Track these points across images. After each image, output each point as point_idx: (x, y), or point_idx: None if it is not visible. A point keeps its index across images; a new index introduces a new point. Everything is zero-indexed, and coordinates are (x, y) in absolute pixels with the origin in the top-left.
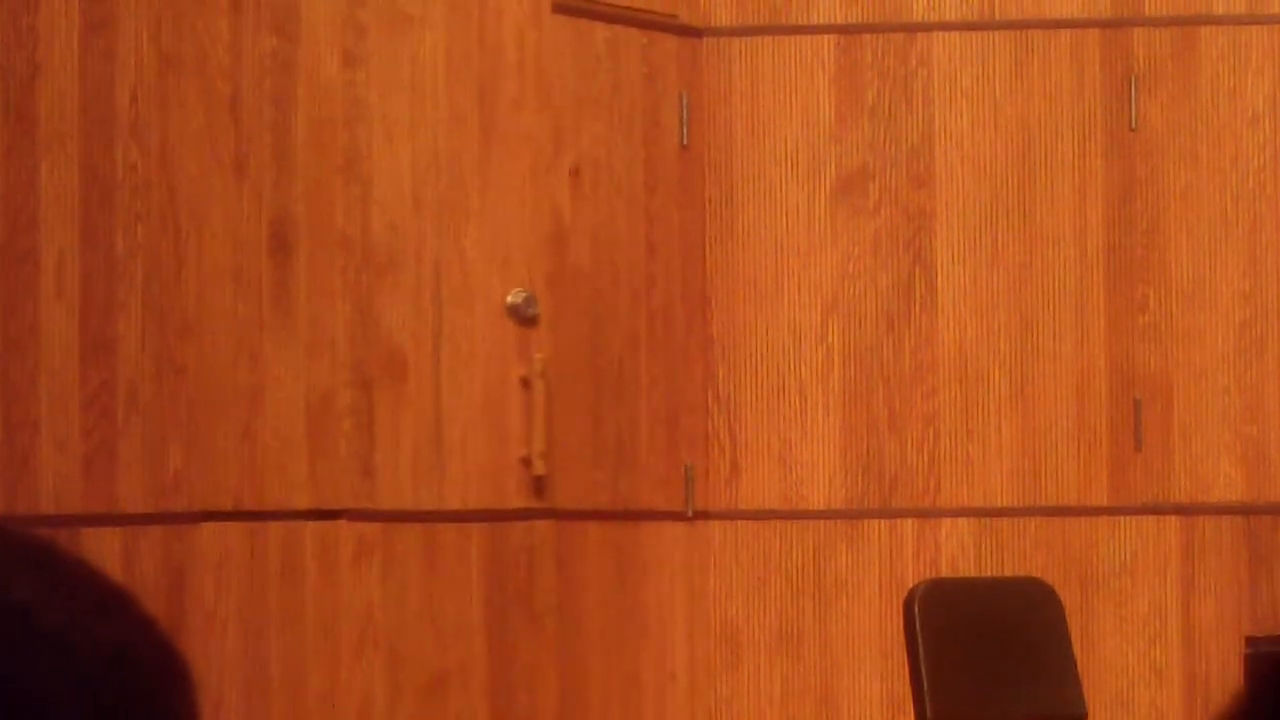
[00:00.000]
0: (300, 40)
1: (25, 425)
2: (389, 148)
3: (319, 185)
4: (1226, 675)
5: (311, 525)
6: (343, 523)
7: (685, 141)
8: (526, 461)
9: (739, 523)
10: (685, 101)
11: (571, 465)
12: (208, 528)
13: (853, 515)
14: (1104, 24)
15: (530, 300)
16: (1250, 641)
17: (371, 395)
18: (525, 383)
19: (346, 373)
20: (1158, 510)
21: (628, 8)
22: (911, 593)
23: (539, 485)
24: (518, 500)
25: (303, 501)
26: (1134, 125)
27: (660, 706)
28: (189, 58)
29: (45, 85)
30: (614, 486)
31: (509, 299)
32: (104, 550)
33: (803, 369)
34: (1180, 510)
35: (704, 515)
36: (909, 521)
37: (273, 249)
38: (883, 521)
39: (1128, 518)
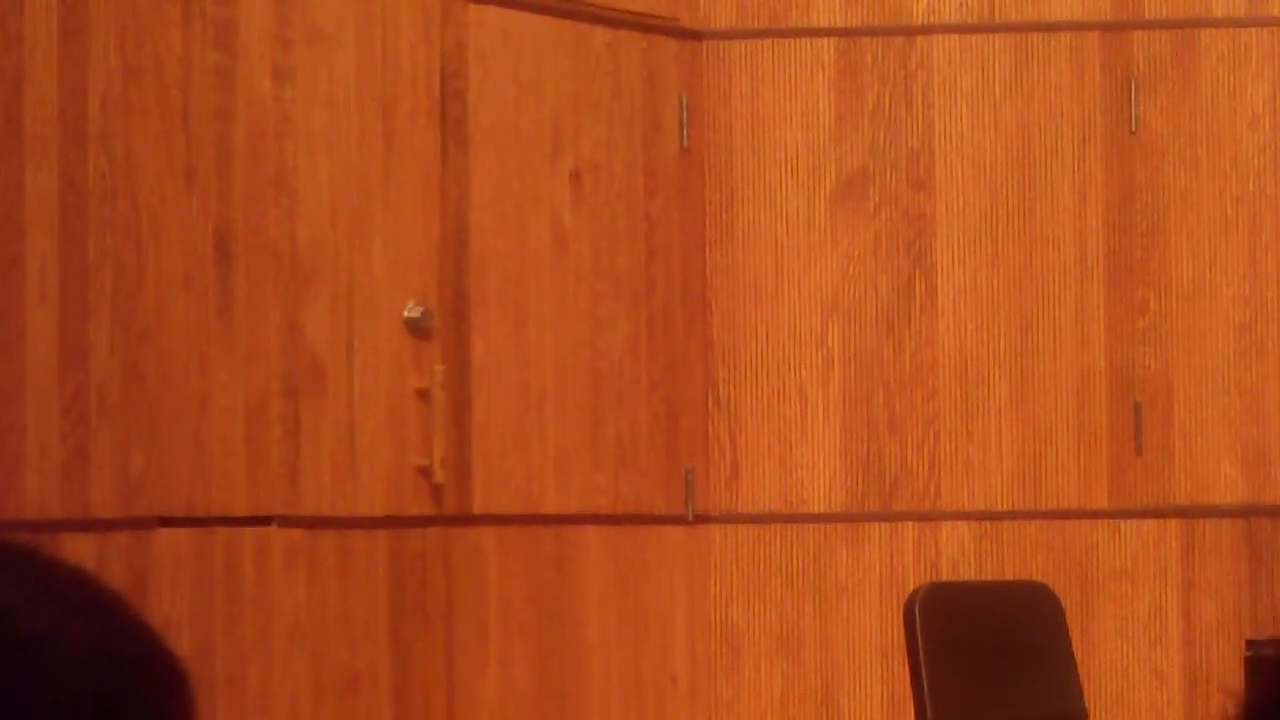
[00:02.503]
0: (238, 54)
1: (12, 430)
2: (311, 162)
3: (255, 197)
4: (1227, 677)
5: (249, 531)
6: (274, 528)
7: (685, 144)
8: (425, 470)
9: (739, 525)
10: (685, 104)
11: (571, 468)
12: (164, 533)
13: (853, 518)
14: (1104, 27)
15: (428, 314)
16: (1251, 644)
17: (298, 403)
18: (423, 394)
19: (278, 381)
20: (1158, 513)
21: (627, 11)
22: (912, 595)
23: (438, 492)
24: (417, 507)
25: (242, 507)
26: (1134, 128)
27: (661, 709)
28: (149, 68)
29: (31, 90)
30: (614, 489)
31: (406, 313)
32: (79, 555)
33: (803, 371)
34: (1180, 513)
35: (704, 518)
36: (909, 524)
37: (217, 258)
38: (883, 524)
39: (1128, 520)
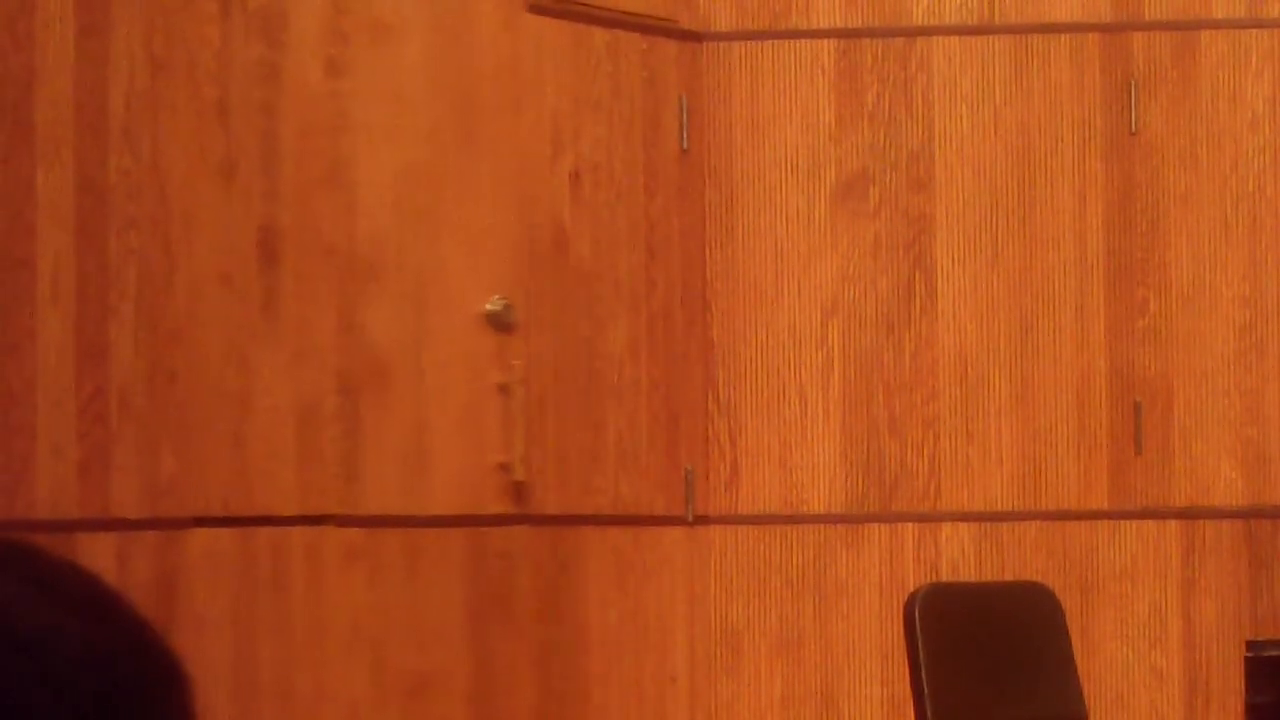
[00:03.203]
0: (287, 48)
1: (22, 431)
2: (372, 156)
3: (305, 193)
4: (1227, 679)
5: (299, 530)
6: (329, 528)
7: (685, 145)
8: (505, 467)
9: (739, 526)
10: (685, 105)
11: (570, 469)
12: (199, 533)
13: (853, 519)
14: (1104, 28)
15: (509, 308)
16: (1251, 645)
17: (357, 402)
18: (503, 389)
19: (333, 379)
20: (1158, 514)
21: (627, 12)
22: (912, 596)
23: (519, 491)
24: (497, 506)
25: (291, 507)
26: (1134, 129)
27: (661, 709)
28: (179, 63)
29: (42, 90)
30: (614, 490)
31: (487, 306)
32: (99, 555)
33: (803, 372)
34: (1180, 514)
35: (704, 519)
36: (909, 525)
37: (261, 256)
38: (883, 525)
39: (1128, 521)
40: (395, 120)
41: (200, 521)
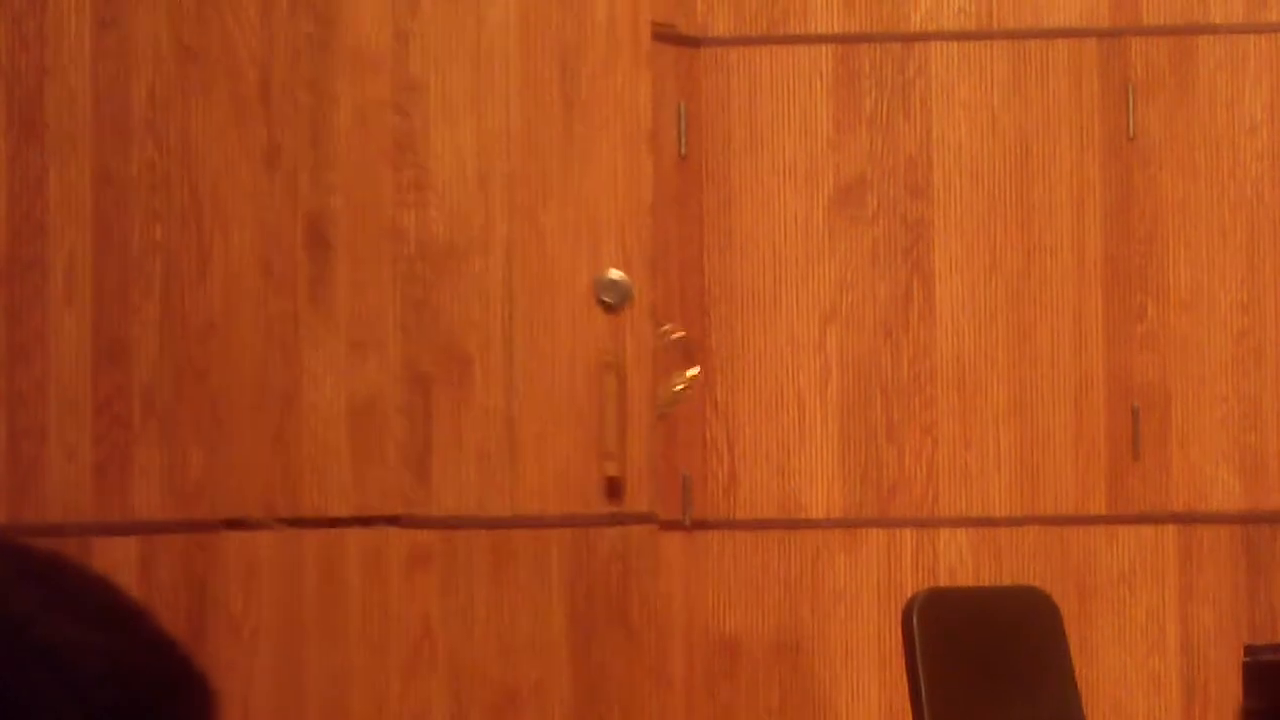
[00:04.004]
0: (339, 19)
1: (32, 433)
2: (449, 127)
3: (362, 173)
4: (1225, 684)
5: (355, 532)
6: (393, 530)
7: (683, 151)
8: (607, 463)
9: (737, 532)
10: (683, 111)
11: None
12: (234, 536)
13: (851, 524)
14: (1101, 33)
15: (622, 284)
16: (1249, 650)
17: (428, 394)
18: (616, 373)
19: (398, 371)
20: (1156, 519)
21: (631, 19)
22: (910, 602)
23: (616, 488)
24: (600, 505)
25: (345, 508)
26: (1132, 135)
27: (658, 715)
28: (214, 47)
29: (53, 88)
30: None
31: (599, 281)
32: (120, 560)
33: (801, 378)
34: (1178, 519)
35: (702, 524)
36: (907, 531)
37: (309, 243)
38: (881, 530)
39: (1126, 527)
40: (475, 84)
41: (236, 524)
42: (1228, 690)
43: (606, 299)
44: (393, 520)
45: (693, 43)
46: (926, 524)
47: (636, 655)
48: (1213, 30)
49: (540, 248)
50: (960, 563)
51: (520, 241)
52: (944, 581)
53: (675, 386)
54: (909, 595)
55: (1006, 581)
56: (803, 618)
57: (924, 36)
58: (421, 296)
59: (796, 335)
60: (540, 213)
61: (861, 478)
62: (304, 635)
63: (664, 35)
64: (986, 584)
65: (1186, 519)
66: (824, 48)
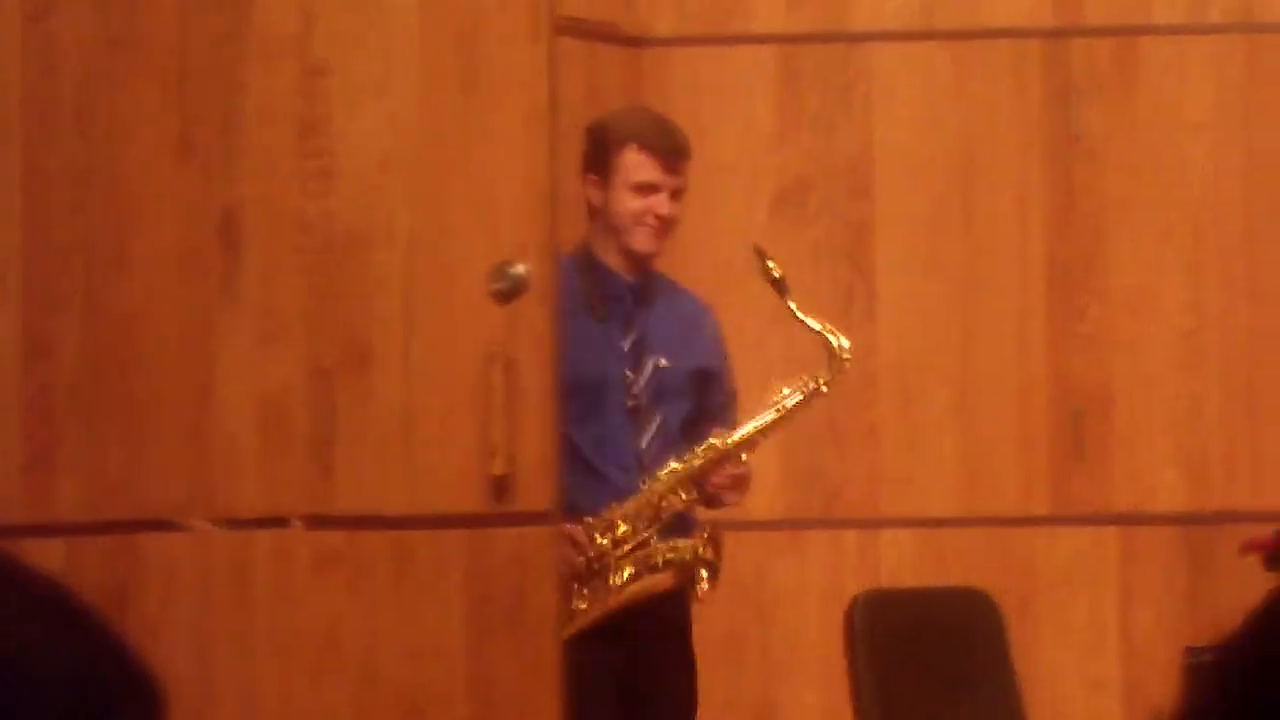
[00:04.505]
0: (251, 5)
1: None
2: (350, 115)
3: (270, 162)
4: (1166, 685)
5: (263, 534)
6: (299, 531)
7: None
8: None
9: None
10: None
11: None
12: (152, 537)
13: (793, 525)
14: (1045, 34)
15: (516, 273)
16: (1190, 651)
17: (333, 389)
18: (514, 368)
19: (303, 365)
20: (1098, 520)
21: (567, 18)
22: (852, 603)
23: (508, 487)
24: (498, 505)
25: (254, 507)
26: (1075, 135)
27: None
28: (140, 39)
29: None
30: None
31: (495, 273)
32: (45, 561)
33: (743, 378)
34: (1120, 520)
35: None
36: (850, 532)
37: (221, 235)
38: (823, 532)
39: (1068, 527)
40: (382, 71)
41: (154, 524)
42: (1169, 692)
43: (499, 288)
44: (299, 520)
45: (636, 43)
46: (869, 525)
47: (534, 659)
48: (1155, 30)
49: (441, 236)
50: (902, 563)
51: (422, 230)
52: (886, 582)
53: (802, 387)
54: (851, 596)
55: (949, 582)
56: (746, 618)
57: (866, 37)
58: (327, 288)
59: (739, 336)
60: (442, 200)
61: (805, 479)
62: (214, 639)
63: (607, 35)
64: (929, 585)
65: (1128, 520)
66: (766, 48)
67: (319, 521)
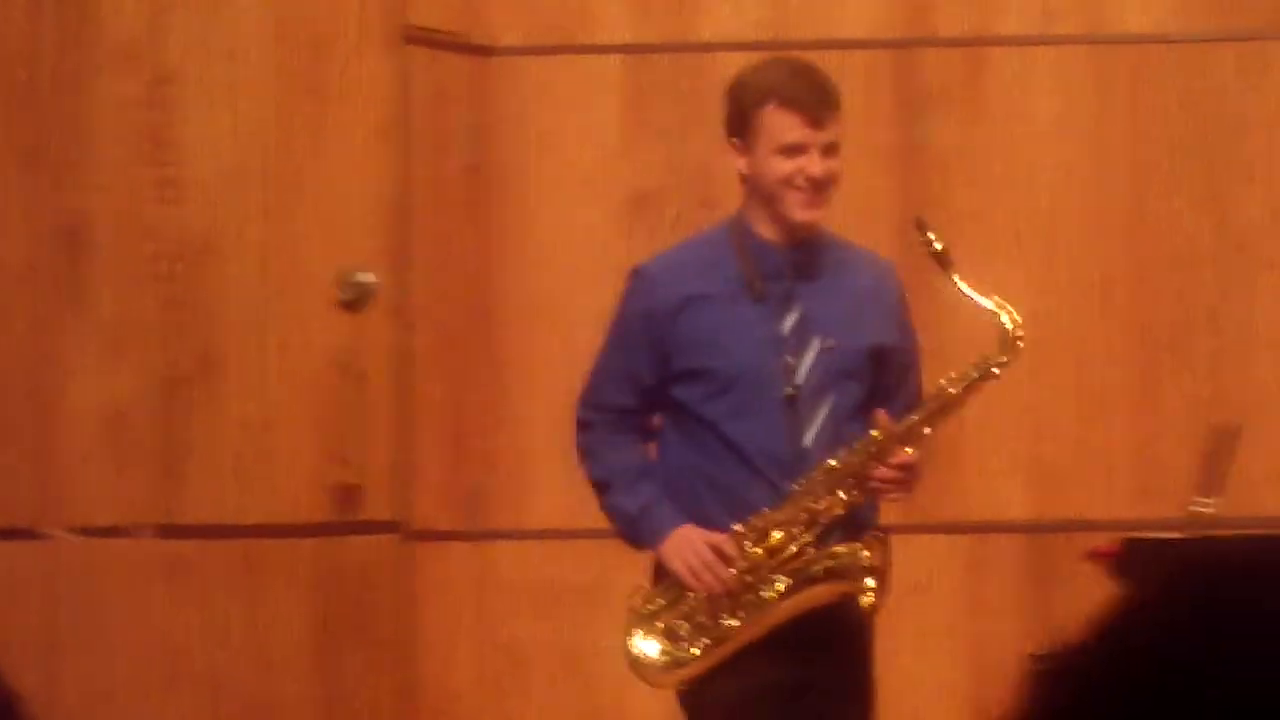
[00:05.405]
0: (100, 13)
1: None
2: (201, 125)
3: (121, 170)
4: (1013, 694)
5: (114, 542)
6: (150, 541)
7: (474, 162)
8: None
9: (526, 541)
10: (473, 122)
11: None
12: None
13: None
14: (895, 45)
15: (363, 283)
16: (1035, 659)
17: (184, 398)
18: (362, 377)
19: (153, 374)
20: (948, 529)
21: (417, 28)
22: None
23: (354, 496)
24: (345, 514)
25: (105, 516)
26: (923, 146)
27: None
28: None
29: None
30: (401, 505)
31: (342, 285)
32: None
33: None
34: (969, 529)
35: (491, 535)
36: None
37: (70, 244)
38: None
39: (918, 535)
40: (231, 79)
41: (3, 533)
42: (1015, 700)
43: (346, 298)
44: (149, 529)
45: (484, 52)
46: None
47: (383, 668)
48: (1004, 42)
49: (291, 245)
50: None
51: (272, 240)
52: None
53: (972, 371)
54: None
55: None
56: (592, 627)
57: (715, 47)
58: (179, 297)
59: (590, 346)
60: (292, 209)
61: None
62: (63, 647)
63: (456, 45)
64: None
65: (977, 528)
66: (616, 58)
67: (169, 531)
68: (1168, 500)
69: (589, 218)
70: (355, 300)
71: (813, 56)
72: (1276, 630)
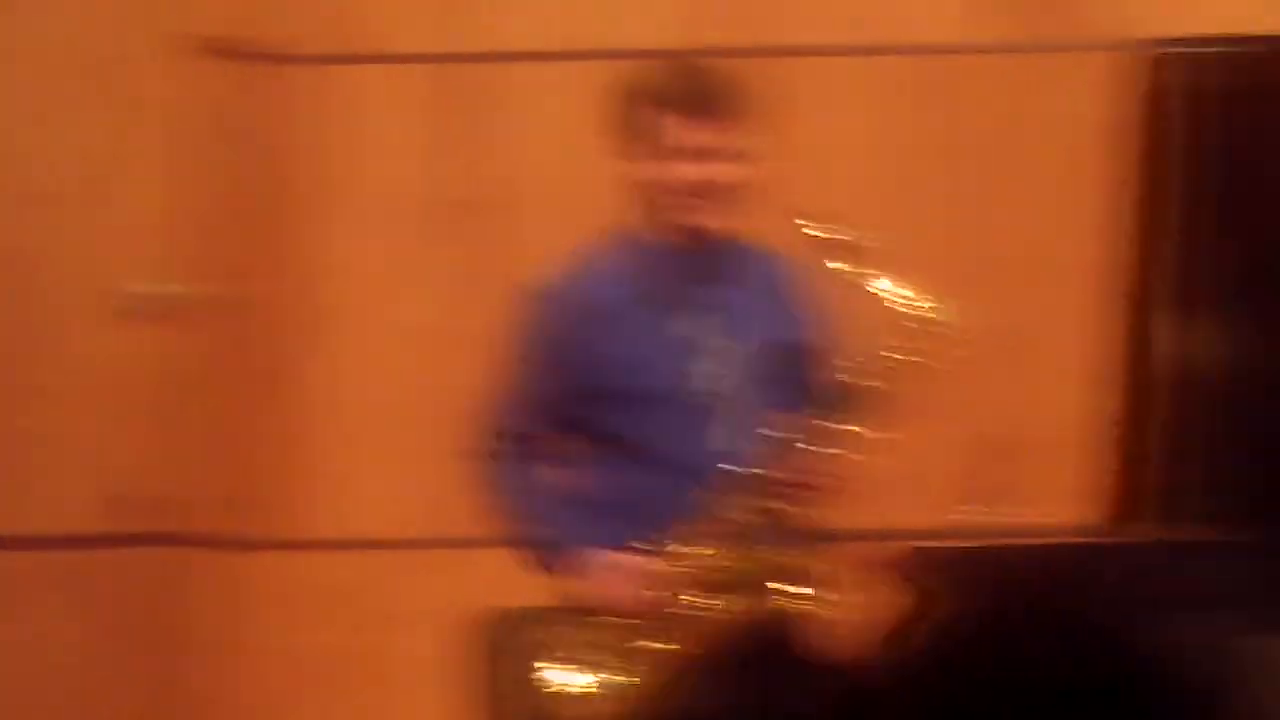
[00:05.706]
0: None
1: None
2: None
3: None
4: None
5: None
6: None
7: (270, 171)
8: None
9: (301, 552)
10: (272, 131)
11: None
12: None
13: (420, 545)
14: (685, 55)
15: (163, 294)
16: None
17: None
18: (140, 388)
19: None
20: None
21: (215, 38)
22: (478, 625)
23: (128, 506)
24: (115, 524)
25: None
26: None
27: None
28: None
29: None
30: (172, 513)
31: (136, 293)
32: None
33: (390, 398)
34: None
35: (270, 544)
36: (477, 551)
37: None
38: (451, 551)
39: None
40: (30, 91)
41: None
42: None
43: (140, 308)
44: None
45: (282, 60)
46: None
47: (156, 679)
48: (806, 52)
49: (85, 257)
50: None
51: (68, 251)
52: (514, 600)
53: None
54: (475, 618)
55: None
56: (367, 638)
57: (516, 56)
58: None
59: (387, 359)
60: (88, 221)
61: (435, 498)
62: None
63: (255, 54)
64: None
65: None
66: (416, 67)
67: None
68: (940, 509)
69: (388, 229)
70: (138, 310)
71: (608, 66)
72: (1061, 635)
